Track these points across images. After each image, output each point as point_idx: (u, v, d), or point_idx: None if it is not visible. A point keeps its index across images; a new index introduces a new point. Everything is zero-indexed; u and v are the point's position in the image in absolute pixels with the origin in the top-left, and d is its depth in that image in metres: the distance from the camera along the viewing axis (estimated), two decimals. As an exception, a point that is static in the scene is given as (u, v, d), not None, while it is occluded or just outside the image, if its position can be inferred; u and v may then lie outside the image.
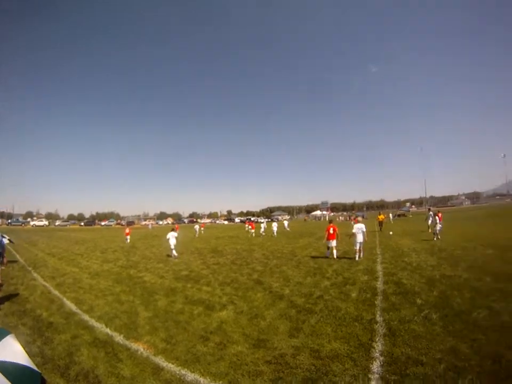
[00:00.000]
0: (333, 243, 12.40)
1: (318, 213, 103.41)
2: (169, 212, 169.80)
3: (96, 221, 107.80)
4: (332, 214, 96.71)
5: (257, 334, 4.94)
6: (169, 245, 14.99)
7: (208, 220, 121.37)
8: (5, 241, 10.46)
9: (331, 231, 12.42)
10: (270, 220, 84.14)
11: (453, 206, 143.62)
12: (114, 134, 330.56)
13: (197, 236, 32.13)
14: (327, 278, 9.07)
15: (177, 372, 3.81)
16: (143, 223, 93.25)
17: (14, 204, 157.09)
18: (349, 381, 3.49)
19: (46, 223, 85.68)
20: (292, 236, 27.11)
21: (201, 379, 3.66)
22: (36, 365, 3.24)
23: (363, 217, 70.24)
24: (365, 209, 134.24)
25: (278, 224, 30.77)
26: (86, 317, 6.13)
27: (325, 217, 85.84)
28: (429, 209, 26.25)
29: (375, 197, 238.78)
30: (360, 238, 11.75)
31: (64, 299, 7.61)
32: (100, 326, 5.55)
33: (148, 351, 4.41)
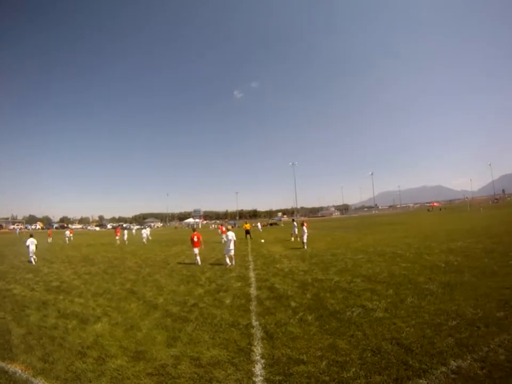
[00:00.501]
0: (196, 250, 14.87)
1: (191, 220, 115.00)
2: (38, 215, 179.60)
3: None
4: (205, 222, 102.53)
5: (135, 346, 5.44)
6: (28, 252, 17.59)
7: (79, 226, 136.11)
8: None
9: (195, 239, 14.95)
10: (142, 226, 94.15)
11: (323, 216, 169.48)
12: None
13: (67, 242, 36.19)
14: (200, 285, 10.20)
15: None
16: (11, 227, 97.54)
17: None
18: (234, 386, 3.96)
19: None
20: (165, 243, 30.93)
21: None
22: None
23: (234, 225, 74.60)
24: (237, 218, 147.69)
25: (147, 231, 36.58)
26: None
27: (198, 225, 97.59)
28: (293, 220, 32.24)
29: (248, 207, 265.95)
30: (231, 245, 13.77)
31: None
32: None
33: (26, 372, 4.62)
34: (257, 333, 5.65)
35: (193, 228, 18.24)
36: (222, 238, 29.61)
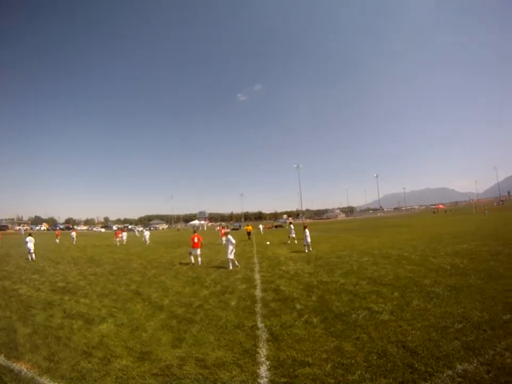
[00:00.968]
0: (198, 251, 15.49)
1: (196, 222, 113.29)
2: (44, 216, 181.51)
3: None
4: (210, 223, 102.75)
5: (140, 347, 5.48)
6: (28, 249, 19.33)
7: (85, 227, 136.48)
8: None
9: (195, 240, 15.57)
10: (148, 228, 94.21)
11: (329, 218, 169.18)
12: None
13: (74, 243, 36.48)
14: (205, 287, 10.23)
15: None
16: (17, 228, 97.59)
17: None
18: (239, 387, 3.96)
19: None
20: (170, 245, 30.85)
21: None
22: None
23: (239, 227, 75.05)
24: (242, 220, 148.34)
25: (150, 233, 37.84)
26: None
27: (203, 226, 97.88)
28: (290, 223, 33.98)
29: (253, 209, 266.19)
30: (230, 248, 13.80)
31: None
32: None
33: (31, 371, 4.67)
34: (263, 334, 5.65)
35: (194, 230, 18.65)
36: (222, 240, 30.25)
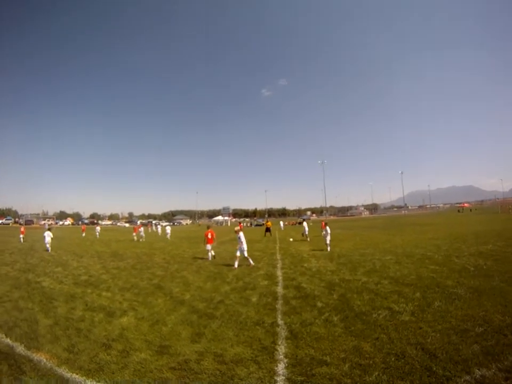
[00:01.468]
0: (209, 246, 15.77)
1: (220, 218, 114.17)
2: (69, 211, 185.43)
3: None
4: (234, 219, 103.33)
5: (160, 340, 5.50)
6: (45, 243, 21.43)
7: (109, 222, 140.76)
8: None
9: (209, 236, 15.83)
10: (172, 223, 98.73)
11: (353, 215, 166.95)
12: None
13: (98, 237, 37.48)
14: (227, 282, 10.26)
15: (82, 382, 4.14)
16: (42, 222, 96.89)
17: None
18: (255, 384, 3.99)
19: None
20: (194, 240, 30.41)
21: (107, 389, 4.13)
22: None
23: (263, 223, 75.85)
24: (266, 216, 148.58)
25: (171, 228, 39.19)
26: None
27: (227, 222, 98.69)
28: (303, 220, 34.34)
29: (277, 205, 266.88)
30: (243, 246, 13.51)
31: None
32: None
33: (50, 361, 4.72)
34: (282, 332, 5.63)
35: (208, 225, 18.69)
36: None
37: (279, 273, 11.42)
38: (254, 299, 7.98)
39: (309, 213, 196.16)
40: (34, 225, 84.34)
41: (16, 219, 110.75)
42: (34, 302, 8.29)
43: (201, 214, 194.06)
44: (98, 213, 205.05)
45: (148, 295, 8.88)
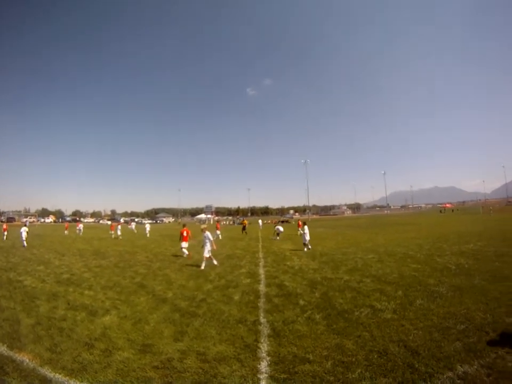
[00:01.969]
0: (185, 244, 16.21)
1: (202, 216, 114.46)
2: (51, 209, 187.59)
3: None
4: (217, 218, 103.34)
5: (142, 339, 5.52)
6: (21, 237, 22.67)
7: (92, 219, 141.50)
8: None
9: (184, 234, 16.37)
10: (154, 221, 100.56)
11: (335, 214, 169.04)
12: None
13: (80, 235, 37.75)
14: (210, 281, 10.29)
15: (65, 382, 4.13)
16: (24, 220, 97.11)
17: None
18: (239, 382, 3.98)
19: None
20: (175, 238, 29.69)
21: (90, 388, 4.15)
22: None
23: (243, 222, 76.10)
24: (249, 214, 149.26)
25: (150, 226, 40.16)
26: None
27: (209, 220, 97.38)
28: (278, 221, 35.09)
29: (260, 203, 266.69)
30: (208, 246, 12.91)
31: None
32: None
33: (33, 361, 4.70)
34: (264, 330, 5.65)
35: (183, 224, 19.19)
36: (217, 233, 30.79)
37: (261, 271, 11.46)
38: (236, 297, 7.98)
39: (291, 211, 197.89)
40: (16, 223, 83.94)
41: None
42: (16, 301, 8.25)
43: (184, 212, 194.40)
44: (81, 211, 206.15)
45: (131, 293, 8.85)
